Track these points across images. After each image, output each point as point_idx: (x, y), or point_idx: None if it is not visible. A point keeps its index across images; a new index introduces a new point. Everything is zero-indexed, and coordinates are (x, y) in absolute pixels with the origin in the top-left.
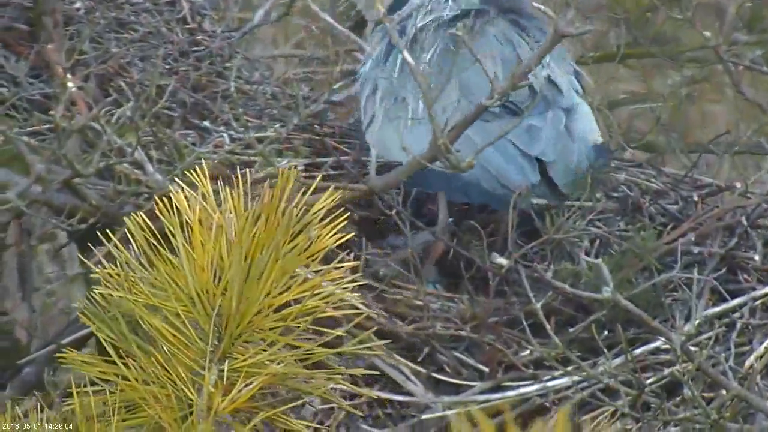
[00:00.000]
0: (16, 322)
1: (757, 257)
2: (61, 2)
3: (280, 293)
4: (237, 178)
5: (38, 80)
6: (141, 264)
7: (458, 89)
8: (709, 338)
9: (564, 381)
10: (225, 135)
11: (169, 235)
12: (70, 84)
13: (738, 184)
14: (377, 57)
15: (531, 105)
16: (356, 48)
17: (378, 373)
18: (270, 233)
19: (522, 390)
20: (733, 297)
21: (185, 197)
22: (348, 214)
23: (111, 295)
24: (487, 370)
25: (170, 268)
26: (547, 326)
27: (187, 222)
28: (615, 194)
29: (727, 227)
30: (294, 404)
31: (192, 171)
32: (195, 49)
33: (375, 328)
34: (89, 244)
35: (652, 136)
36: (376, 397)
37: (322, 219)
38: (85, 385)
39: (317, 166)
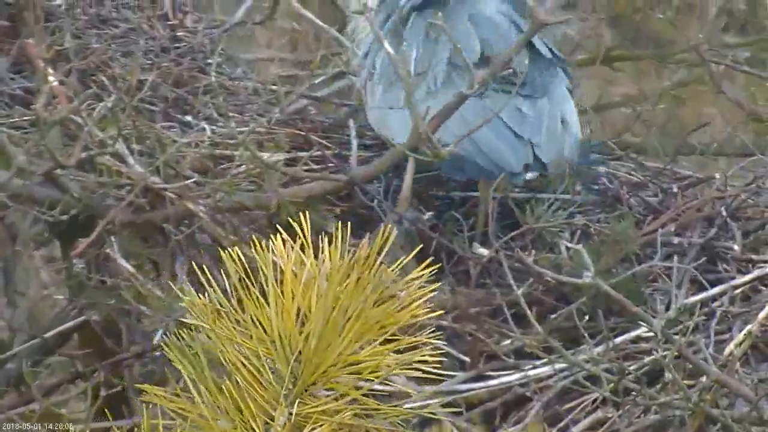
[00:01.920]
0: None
1: (736, 247)
2: None
3: (359, 350)
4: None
5: (20, 75)
6: (230, 302)
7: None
8: (690, 326)
9: (545, 370)
10: (207, 127)
11: (262, 277)
12: (51, 78)
13: (717, 176)
14: (371, 42)
15: (521, 79)
16: (342, 49)
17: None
18: (359, 291)
19: (503, 379)
20: (713, 286)
21: (283, 242)
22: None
23: (197, 327)
24: (468, 359)
25: (257, 308)
26: (529, 313)
27: (280, 267)
28: (595, 186)
29: (707, 218)
30: None
31: (291, 220)
32: (176, 45)
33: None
34: (72, 238)
35: (633, 134)
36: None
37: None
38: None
39: (298, 159)
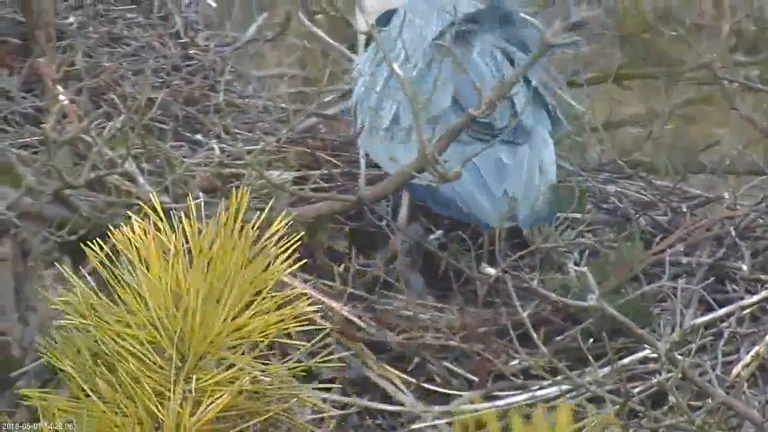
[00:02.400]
0: (13, 341)
1: (745, 267)
2: (53, 17)
3: (241, 313)
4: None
5: (30, 94)
6: (104, 292)
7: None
8: (696, 347)
9: (552, 390)
10: (216, 147)
11: (128, 264)
12: (61, 96)
13: (726, 195)
14: (368, 70)
15: (509, 127)
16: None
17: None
18: (226, 256)
19: (511, 399)
20: (721, 307)
21: (139, 227)
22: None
23: (75, 326)
24: (476, 379)
25: (129, 295)
26: (534, 336)
27: (144, 250)
28: (605, 206)
29: (716, 238)
30: (267, 421)
31: (143, 203)
32: (187, 63)
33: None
34: (82, 255)
35: (643, 154)
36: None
37: (278, 241)
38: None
39: (307, 178)
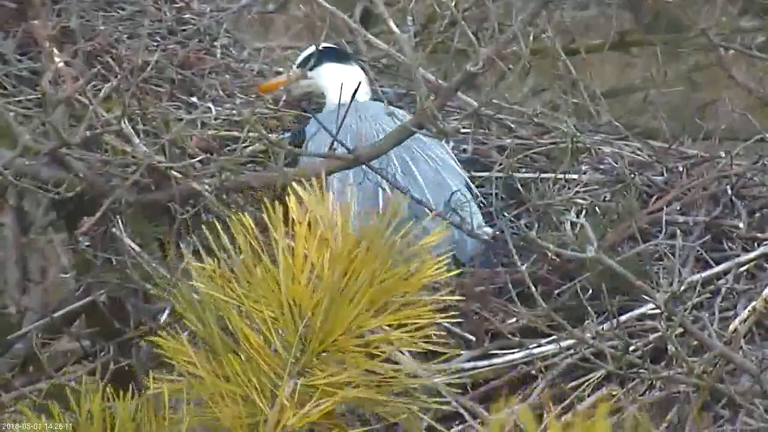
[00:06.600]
0: (14, 314)
1: (741, 225)
2: None
3: (371, 318)
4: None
5: (26, 57)
6: (244, 264)
7: None
8: (694, 302)
9: (550, 348)
10: (212, 108)
11: (272, 239)
12: (57, 58)
13: (723, 155)
14: None
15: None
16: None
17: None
18: (371, 257)
19: (508, 357)
20: (718, 264)
21: (297, 201)
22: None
23: (204, 289)
24: (473, 338)
25: (267, 272)
26: (534, 290)
27: (292, 227)
28: (601, 166)
29: (712, 196)
30: (369, 428)
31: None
32: (183, 27)
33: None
34: (78, 219)
35: (653, 118)
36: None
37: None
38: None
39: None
